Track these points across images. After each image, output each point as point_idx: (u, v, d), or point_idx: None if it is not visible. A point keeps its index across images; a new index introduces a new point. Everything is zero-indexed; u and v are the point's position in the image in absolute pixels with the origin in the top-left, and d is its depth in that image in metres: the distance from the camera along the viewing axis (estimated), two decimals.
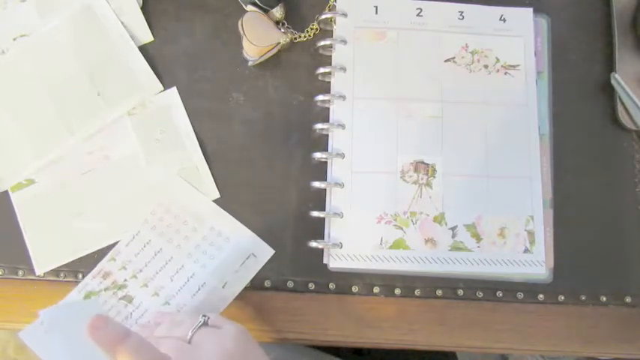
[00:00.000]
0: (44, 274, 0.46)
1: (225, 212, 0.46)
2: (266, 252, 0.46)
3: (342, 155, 0.47)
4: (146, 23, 0.49)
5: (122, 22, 0.48)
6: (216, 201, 0.47)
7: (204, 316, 0.37)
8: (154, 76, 0.48)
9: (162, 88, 0.48)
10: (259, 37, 0.47)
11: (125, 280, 0.45)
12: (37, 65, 0.48)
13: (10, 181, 0.47)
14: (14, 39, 0.48)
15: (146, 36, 0.49)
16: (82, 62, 0.48)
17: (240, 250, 0.45)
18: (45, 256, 0.46)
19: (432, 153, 0.47)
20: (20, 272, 0.46)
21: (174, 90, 0.48)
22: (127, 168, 0.47)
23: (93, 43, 0.48)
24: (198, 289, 0.44)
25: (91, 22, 0.48)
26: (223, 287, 0.44)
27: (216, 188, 0.47)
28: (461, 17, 0.50)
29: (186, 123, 0.48)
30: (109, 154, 0.47)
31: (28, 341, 0.30)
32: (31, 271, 0.46)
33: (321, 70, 0.48)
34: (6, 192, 0.47)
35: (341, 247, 0.45)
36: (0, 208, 0.46)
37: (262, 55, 0.47)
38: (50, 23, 0.48)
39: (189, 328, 0.37)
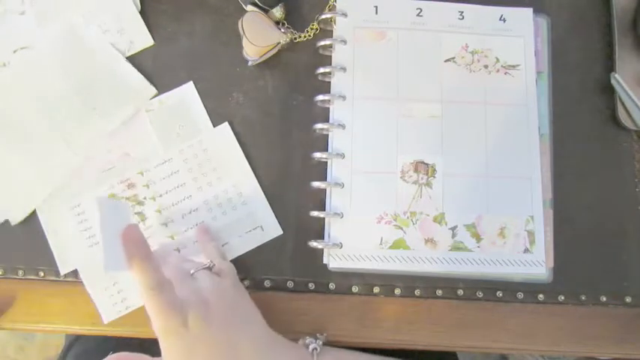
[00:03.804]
0: (40, 274, 0.46)
1: (254, 178, 0.47)
2: (274, 229, 0.46)
3: (342, 155, 0.47)
4: (146, 28, 0.49)
5: (122, 28, 0.48)
6: None
7: (211, 262, 0.41)
8: (146, 80, 0.48)
9: (156, 91, 0.48)
10: (259, 37, 0.47)
11: (144, 199, 0.46)
12: (28, 91, 0.47)
13: (20, 213, 0.46)
14: (14, 51, 0.48)
15: (147, 40, 0.49)
16: (73, 81, 0.47)
17: (252, 217, 0.46)
18: (67, 256, 0.46)
19: (432, 153, 0.47)
20: (41, 273, 0.46)
21: (190, 84, 0.48)
22: (147, 164, 0.47)
23: (79, 61, 0.48)
24: None
25: (74, 42, 0.48)
26: (223, 246, 0.46)
27: None
28: (461, 17, 0.50)
29: (205, 117, 0.48)
30: (129, 152, 0.47)
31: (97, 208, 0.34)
32: (29, 271, 0.46)
33: (321, 70, 0.48)
34: None
35: (341, 247, 0.45)
36: None
37: (262, 55, 0.47)
38: (35, 48, 0.47)
39: (194, 266, 0.40)
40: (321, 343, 0.42)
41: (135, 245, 0.34)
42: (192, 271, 0.40)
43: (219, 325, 0.37)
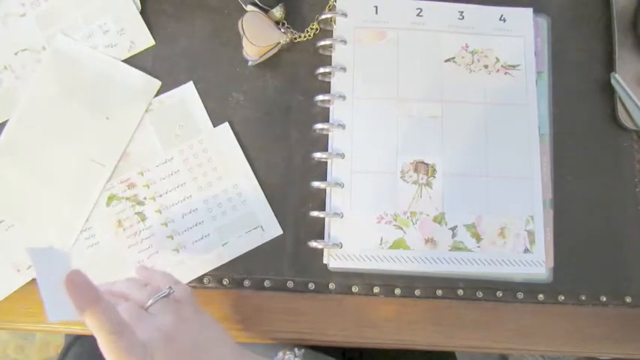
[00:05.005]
0: None
1: (255, 178, 0.47)
2: (274, 229, 0.46)
3: (342, 155, 0.47)
4: (147, 28, 0.49)
5: (122, 29, 0.48)
6: None
7: (170, 288, 0.38)
8: (148, 76, 0.48)
9: (160, 83, 0.48)
10: (259, 37, 0.47)
11: (144, 199, 0.46)
12: (41, 119, 0.47)
13: (70, 238, 0.46)
14: (15, 53, 0.48)
15: (147, 41, 0.49)
16: (77, 99, 0.47)
17: (252, 217, 0.46)
18: None
19: (432, 153, 0.47)
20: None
21: (190, 84, 0.48)
22: (147, 164, 0.47)
23: (76, 78, 0.47)
24: (201, 238, 0.46)
25: (65, 62, 0.48)
26: (222, 246, 0.46)
27: None
28: (461, 17, 0.50)
29: (205, 117, 0.48)
30: (129, 151, 0.47)
31: (31, 260, 0.31)
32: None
33: (321, 70, 0.48)
34: None
35: (341, 247, 0.45)
36: None
37: (262, 55, 0.47)
38: (32, 77, 0.47)
39: (151, 294, 0.38)
40: None
41: (82, 292, 0.31)
42: (149, 302, 0.37)
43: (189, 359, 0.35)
